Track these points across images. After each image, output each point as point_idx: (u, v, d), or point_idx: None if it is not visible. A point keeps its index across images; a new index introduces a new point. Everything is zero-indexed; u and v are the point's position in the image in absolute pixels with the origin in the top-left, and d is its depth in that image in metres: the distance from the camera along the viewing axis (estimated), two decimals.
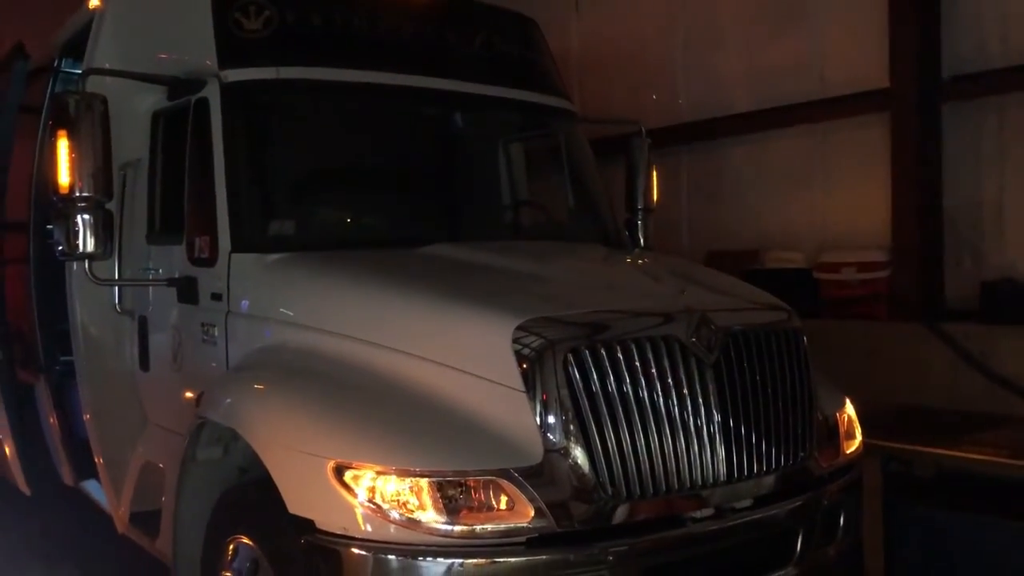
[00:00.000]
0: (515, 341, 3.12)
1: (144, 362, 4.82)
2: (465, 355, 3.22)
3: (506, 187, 5.43)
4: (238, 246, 4.07)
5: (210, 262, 4.17)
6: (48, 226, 5.19)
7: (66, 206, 3.92)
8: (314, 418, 3.28)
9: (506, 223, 5.36)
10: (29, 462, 5.95)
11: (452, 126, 4.95)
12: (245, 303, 4.04)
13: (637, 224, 5.64)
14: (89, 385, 5.04)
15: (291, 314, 3.85)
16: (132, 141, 4.74)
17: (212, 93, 4.26)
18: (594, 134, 5.55)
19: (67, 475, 5.71)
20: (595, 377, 3.15)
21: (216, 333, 4.12)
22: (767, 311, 3.85)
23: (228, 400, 3.66)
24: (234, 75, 4.26)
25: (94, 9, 5.08)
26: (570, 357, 3.13)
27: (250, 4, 4.33)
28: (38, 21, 7.22)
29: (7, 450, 6.05)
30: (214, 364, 4.12)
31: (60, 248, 4.00)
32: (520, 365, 3.11)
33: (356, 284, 3.73)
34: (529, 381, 3.09)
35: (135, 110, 4.79)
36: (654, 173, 5.80)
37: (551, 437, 3.07)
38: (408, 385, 3.27)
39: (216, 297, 4.14)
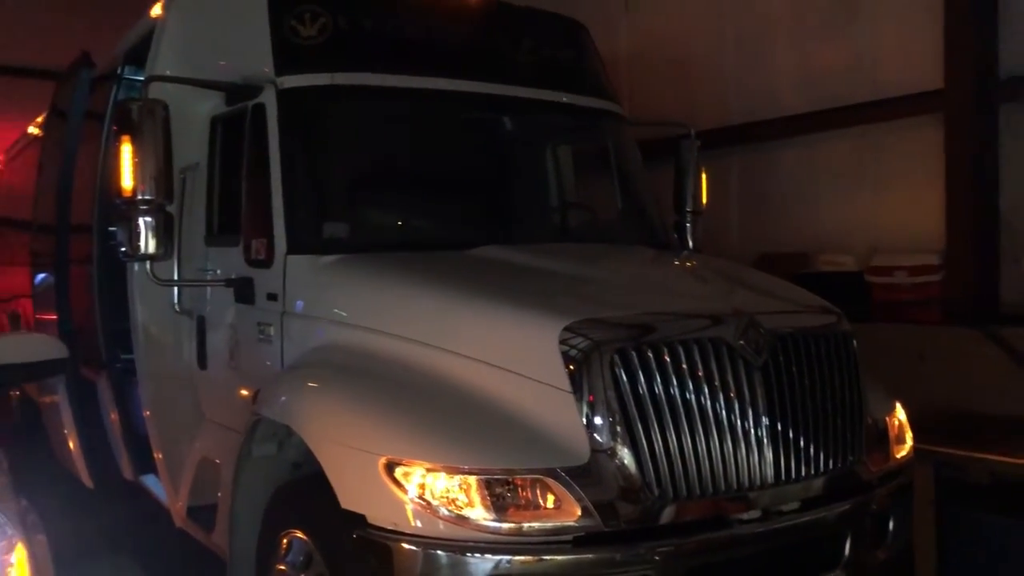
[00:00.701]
0: (562, 342, 3.17)
1: (202, 360, 4.95)
2: (513, 356, 3.27)
3: (555, 189, 5.49)
4: (294, 248, 4.18)
5: (266, 263, 4.28)
6: (111, 228, 5.38)
7: (128, 209, 4.05)
8: (366, 416, 3.36)
9: (555, 225, 5.41)
10: (92, 456, 6.14)
11: (502, 130, 5.01)
12: (300, 303, 4.14)
13: (686, 227, 5.65)
14: (148, 382, 5.19)
15: (344, 314, 3.95)
16: (191, 145, 4.87)
17: (269, 99, 4.38)
18: (643, 136, 5.57)
19: (127, 469, 5.89)
20: (642, 379, 3.18)
21: (272, 332, 4.23)
22: (816, 314, 3.85)
23: (283, 398, 3.76)
24: (290, 81, 4.37)
25: (155, 18, 5.25)
26: (617, 358, 3.16)
27: (306, 11, 4.44)
28: (103, 31, 7.45)
29: (71, 444, 6.25)
30: (269, 363, 4.23)
31: (123, 250, 4.14)
32: (567, 366, 3.15)
33: (407, 285, 3.81)
34: (576, 382, 3.14)
35: (194, 115, 4.93)
36: (703, 175, 5.80)
37: (598, 437, 3.11)
38: (458, 385, 3.33)
39: (272, 297, 4.26)
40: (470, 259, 4.09)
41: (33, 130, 8.55)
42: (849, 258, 7.54)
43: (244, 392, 4.48)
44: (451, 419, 3.22)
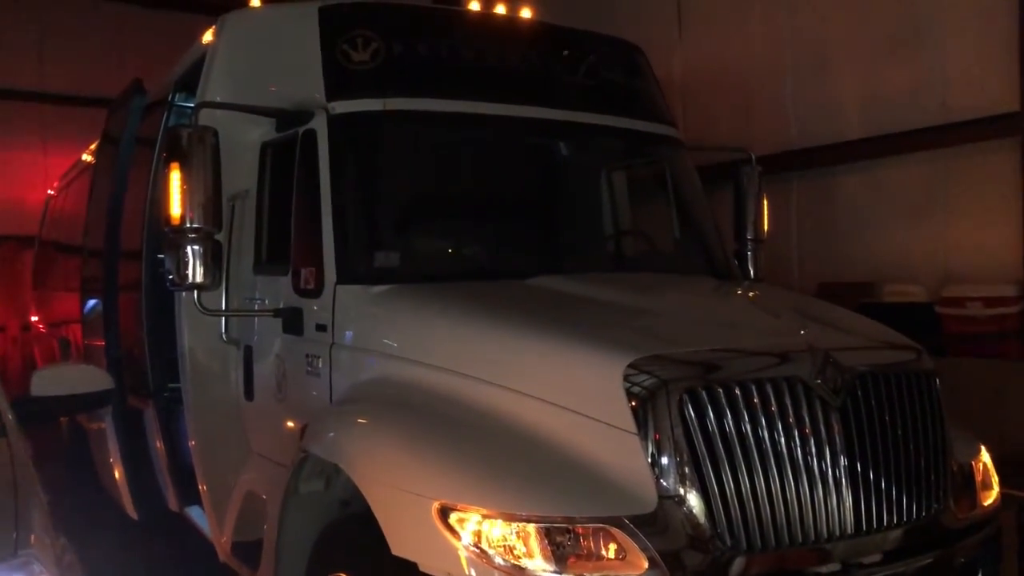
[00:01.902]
0: (626, 379, 2.98)
1: (249, 391, 4.84)
2: (574, 393, 3.09)
3: (611, 217, 5.31)
4: (343, 277, 4.05)
5: (315, 293, 4.16)
6: (159, 255, 5.31)
7: (177, 237, 3.98)
8: (419, 456, 3.19)
9: (611, 254, 5.23)
10: (137, 486, 6.05)
11: (557, 155, 4.86)
12: (350, 335, 4.00)
13: (747, 255, 5.44)
14: (195, 413, 5.09)
15: (396, 347, 3.80)
16: (241, 172, 4.80)
17: (320, 125, 4.28)
18: (701, 161, 5.39)
19: (172, 500, 5.78)
20: (712, 419, 2.97)
21: (320, 364, 4.10)
22: (896, 351, 3.61)
23: (331, 434, 3.61)
24: (341, 107, 4.27)
25: (206, 45, 5.20)
26: (686, 397, 2.96)
27: (358, 36, 4.34)
28: (155, 59, 7.49)
29: (116, 474, 6.17)
30: (317, 395, 4.10)
31: (170, 278, 4.05)
32: (631, 405, 2.96)
33: (462, 317, 3.65)
34: (641, 422, 2.94)
35: (244, 141, 4.85)
36: (765, 202, 5.60)
37: (665, 482, 2.91)
38: (516, 424, 3.16)
39: (321, 328, 4.13)
40: (526, 290, 3.93)
41: (86, 157, 8.62)
42: (918, 288, 7.24)
43: (291, 425, 4.35)
44: (509, 462, 3.04)
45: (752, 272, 5.39)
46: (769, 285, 5.03)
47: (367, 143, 4.36)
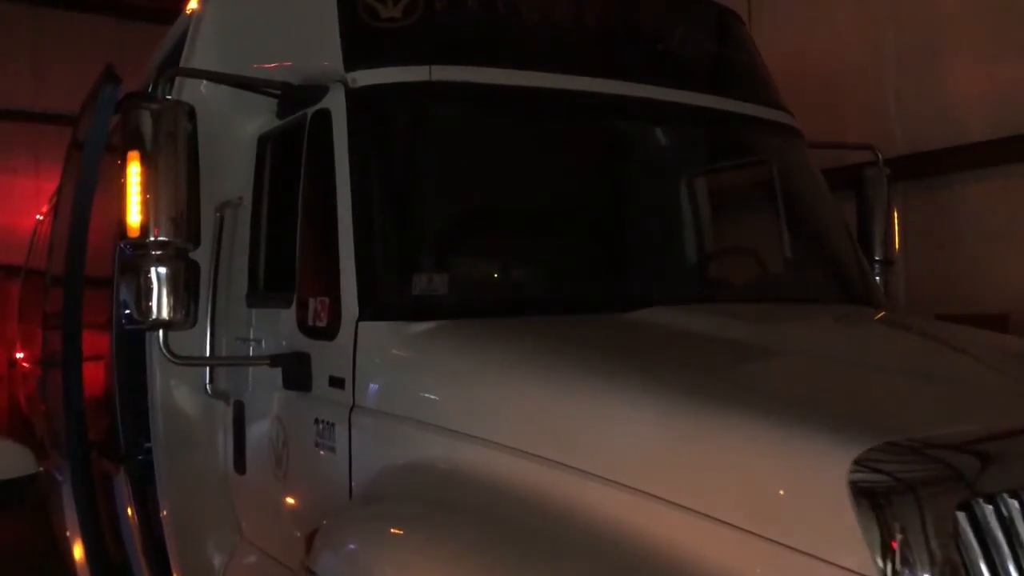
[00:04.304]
0: (855, 486, 1.77)
1: (239, 462, 3.69)
2: (753, 505, 1.88)
3: (718, 229, 4.09)
4: (369, 311, 2.87)
5: (329, 333, 2.99)
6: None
7: (136, 255, 2.85)
8: None
9: (721, 278, 3.98)
10: (102, 569, 4.88)
11: (652, 146, 3.68)
12: (377, 393, 2.82)
13: (874, 279, 4.26)
14: (169, 484, 3.96)
15: (447, 414, 2.59)
16: (232, 176, 3.73)
17: (335, 103, 3.13)
18: None
19: None
20: (1008, 553, 1.75)
21: (336, 436, 2.91)
22: None
23: (351, 548, 2.40)
24: (365, 77, 3.11)
25: (191, 13, 4.08)
26: (961, 519, 1.75)
27: None
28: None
29: (76, 553, 5.00)
30: (330, 481, 2.91)
31: (127, 312, 2.90)
32: (867, 529, 1.74)
33: (556, 372, 2.43)
34: (887, 559, 1.72)
35: (236, 137, 3.77)
36: (895, 215, 4.46)
37: None
38: (647, 549, 1.95)
39: (336, 383, 2.94)
40: (640, 330, 2.72)
41: None
42: None
43: (293, 518, 3.18)
44: None
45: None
46: (941, 319, 3.82)
47: (400, 127, 3.21)
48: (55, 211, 6.16)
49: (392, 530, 2.37)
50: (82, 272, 5.04)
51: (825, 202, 4.00)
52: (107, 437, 4.82)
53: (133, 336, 4.29)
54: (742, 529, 1.86)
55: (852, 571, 1.73)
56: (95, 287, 4.91)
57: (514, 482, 2.29)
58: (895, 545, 1.72)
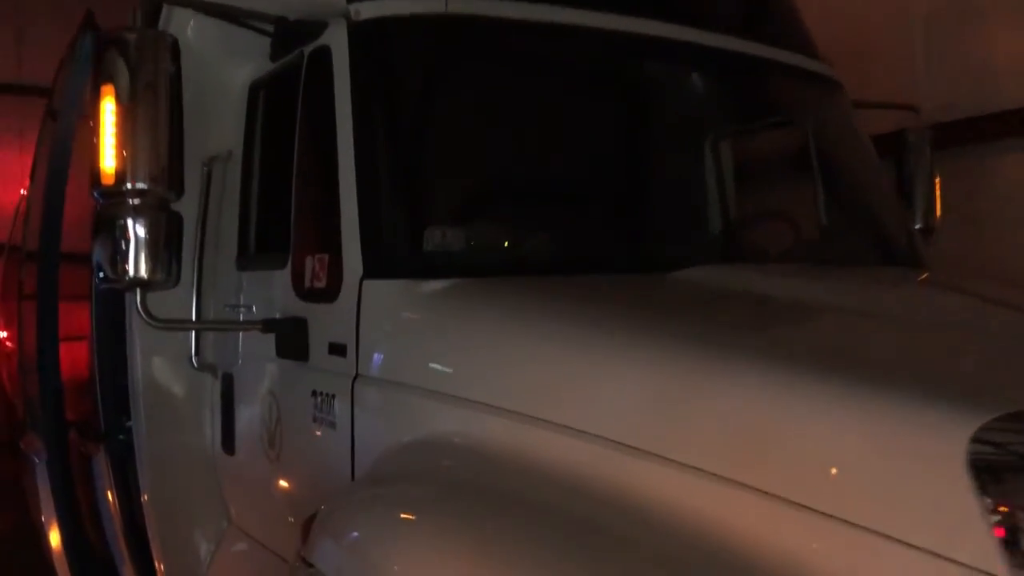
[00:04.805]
0: (975, 466, 1.45)
1: (228, 441, 3.38)
2: (844, 490, 1.56)
3: (753, 185, 3.75)
4: (375, 268, 2.54)
5: (329, 294, 2.66)
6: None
7: (110, 204, 2.51)
8: None
9: (763, 237, 3.63)
10: (79, 559, 4.55)
11: (687, 93, 3.34)
12: (385, 361, 2.49)
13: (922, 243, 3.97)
14: (151, 465, 3.64)
15: (464, 383, 2.27)
16: (221, 128, 3.42)
17: (335, 39, 2.80)
18: None
19: None
20: None
21: (336, 409, 2.58)
22: None
23: (353, 536, 2.08)
24: (370, 9, 2.77)
25: None
26: None
27: None
28: None
29: (52, 540, 4.68)
30: (330, 460, 2.58)
31: (100, 274, 2.57)
32: (988, 512, 1.43)
33: (593, 334, 2.09)
34: (1015, 546, 1.41)
35: (226, 85, 3.44)
36: (937, 181, 4.15)
37: None
38: (713, 542, 1.63)
39: (337, 351, 2.62)
40: (686, 290, 2.38)
41: None
42: None
43: (287, 502, 2.88)
44: None
45: None
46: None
47: (410, 66, 2.86)
48: (31, 176, 5.79)
49: (401, 516, 2.04)
50: (58, 244, 4.70)
51: (869, 159, 3.68)
52: (86, 415, 4.50)
53: (114, 308, 3.97)
54: (827, 515, 1.54)
55: (968, 566, 1.41)
56: (72, 260, 4.57)
57: (545, 460, 1.97)
58: None
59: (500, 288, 2.42)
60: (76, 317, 4.69)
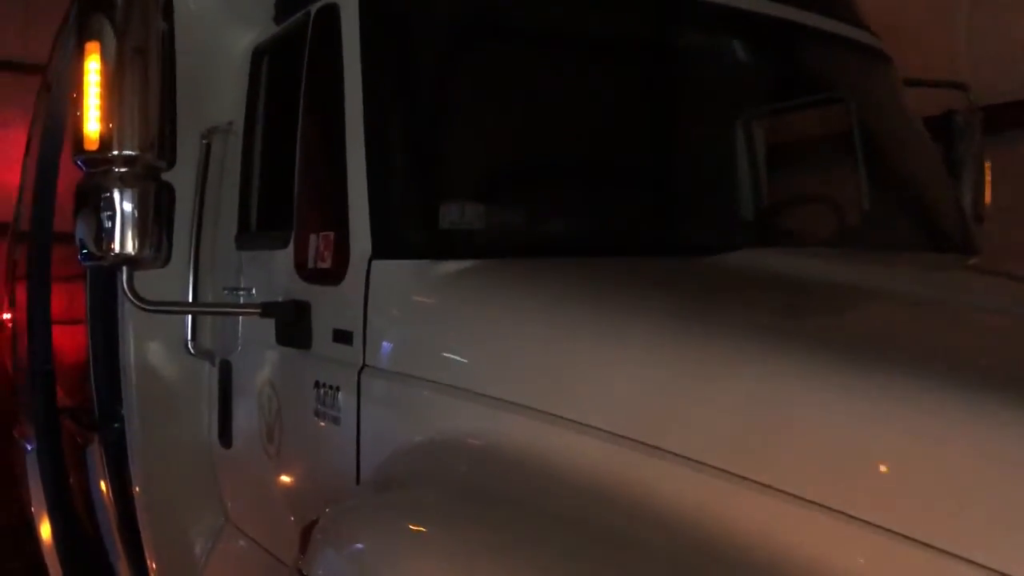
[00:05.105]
0: None
1: (225, 434, 3.14)
2: (938, 514, 1.31)
3: (796, 166, 3.47)
4: (385, 247, 2.29)
5: (334, 276, 2.41)
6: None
7: (95, 173, 2.25)
8: None
9: (807, 221, 3.35)
10: (71, 555, 4.34)
11: (725, 62, 3.06)
12: (395, 350, 2.25)
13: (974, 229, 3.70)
14: (143, 457, 3.42)
15: (484, 377, 2.02)
16: (221, 97, 3.18)
17: None
18: None
19: (126, 573, 4.06)
20: None
21: (341, 403, 2.34)
22: None
23: (357, 548, 1.83)
24: None
25: None
26: None
27: None
28: None
29: (43, 534, 4.47)
30: (334, 460, 2.34)
31: (84, 251, 2.33)
32: None
33: (633, 324, 1.82)
34: None
35: (227, 52, 3.21)
36: (987, 166, 3.88)
37: None
38: (774, 566, 1.38)
39: (342, 338, 2.37)
40: (745, 276, 2.12)
41: None
42: None
43: (287, 502, 2.63)
44: None
45: None
46: None
47: (426, 24, 2.60)
48: (24, 158, 5.59)
49: (412, 526, 1.79)
50: (51, 221, 4.48)
51: (924, 140, 3.41)
52: (79, 401, 4.28)
53: (108, 289, 3.75)
54: (924, 544, 1.28)
55: None
56: (68, 239, 4.36)
57: (576, 466, 1.72)
58: None
59: (526, 271, 2.16)
60: (73, 299, 4.48)
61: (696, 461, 1.52)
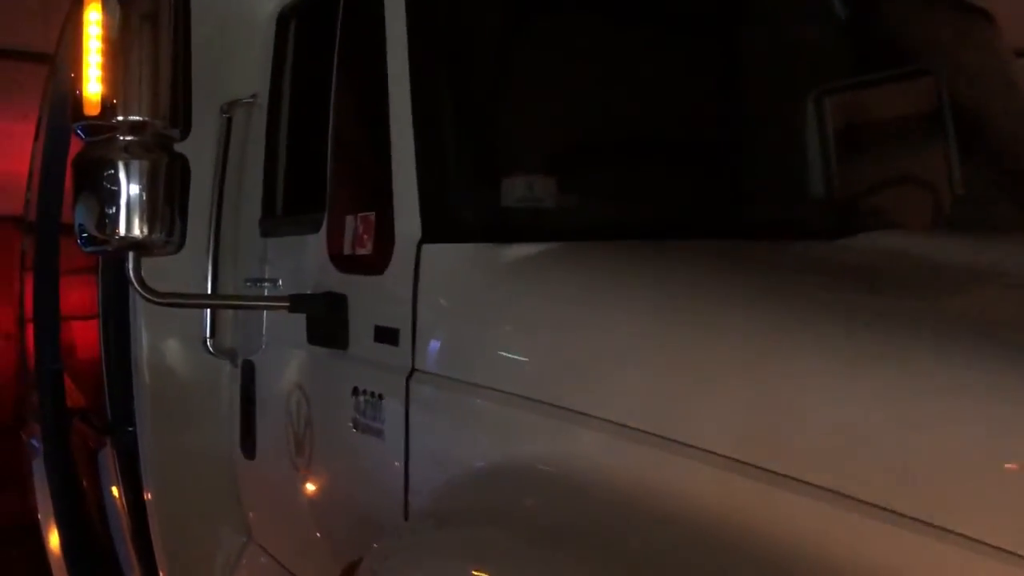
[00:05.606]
0: None
1: (248, 443, 2.82)
2: None
3: (891, 141, 3.10)
4: (436, 229, 1.95)
5: (376, 264, 2.07)
6: None
7: (96, 142, 1.92)
8: None
9: (917, 200, 2.97)
10: (80, 561, 4.08)
11: (814, 27, 2.69)
12: (451, 352, 1.91)
13: None
14: (156, 466, 3.15)
15: (563, 386, 1.66)
16: (244, 68, 2.90)
17: None
18: None
19: None
20: None
21: (385, 413, 2.00)
22: None
23: None
24: None
25: None
26: None
27: None
28: None
29: (51, 541, 4.20)
30: (378, 480, 2.00)
31: (84, 234, 1.99)
32: None
33: (761, 320, 1.43)
34: None
35: (249, 17, 2.93)
36: None
37: None
38: None
39: (387, 337, 2.03)
40: (890, 261, 1.75)
41: None
42: None
43: (318, 525, 2.31)
44: None
45: None
46: None
47: None
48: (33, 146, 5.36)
49: (473, 572, 1.44)
50: (58, 210, 4.20)
51: None
52: (92, 403, 4.02)
53: (120, 280, 3.46)
54: None
55: None
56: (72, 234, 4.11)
57: (676, 496, 1.37)
58: None
59: (614, 255, 1.80)
60: (87, 293, 4.22)
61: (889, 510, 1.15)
